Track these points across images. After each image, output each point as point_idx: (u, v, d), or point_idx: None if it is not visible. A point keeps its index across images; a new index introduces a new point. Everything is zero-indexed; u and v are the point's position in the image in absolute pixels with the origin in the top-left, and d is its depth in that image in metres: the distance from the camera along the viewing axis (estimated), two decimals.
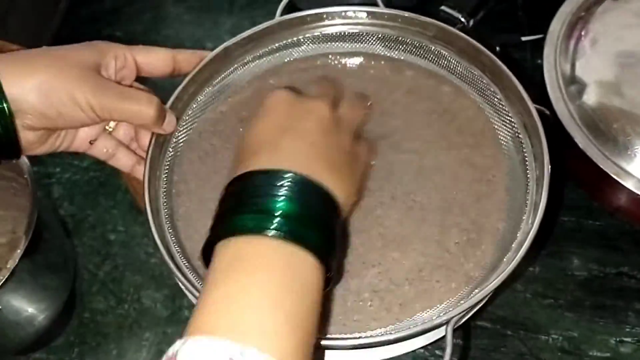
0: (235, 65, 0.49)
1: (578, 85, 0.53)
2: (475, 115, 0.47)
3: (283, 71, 0.50)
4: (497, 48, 0.53)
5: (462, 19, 0.49)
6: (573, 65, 0.54)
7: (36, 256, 0.46)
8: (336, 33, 0.49)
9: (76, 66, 0.40)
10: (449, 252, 0.42)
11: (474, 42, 0.45)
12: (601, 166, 0.48)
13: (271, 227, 0.33)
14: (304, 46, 0.50)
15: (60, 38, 0.70)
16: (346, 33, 0.49)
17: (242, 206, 0.35)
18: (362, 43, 0.50)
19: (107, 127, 0.46)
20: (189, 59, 0.46)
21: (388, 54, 0.49)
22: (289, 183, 0.35)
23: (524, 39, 0.56)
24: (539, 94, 0.51)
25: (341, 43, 0.50)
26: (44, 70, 0.39)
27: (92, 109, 0.40)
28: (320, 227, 0.35)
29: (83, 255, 0.56)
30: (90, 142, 0.45)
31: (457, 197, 0.44)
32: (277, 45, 0.50)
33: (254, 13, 0.70)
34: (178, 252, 0.42)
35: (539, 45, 0.54)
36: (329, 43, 0.50)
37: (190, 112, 0.48)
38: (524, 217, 0.41)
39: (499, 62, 0.44)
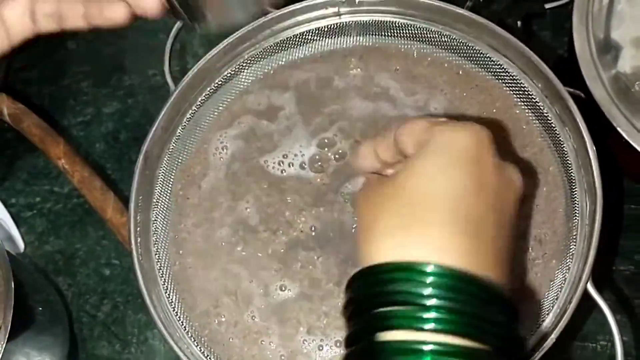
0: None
1: (613, 52, 0.46)
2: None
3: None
4: (519, 23, 0.45)
5: None
6: (607, 30, 0.47)
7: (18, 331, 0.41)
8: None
9: None
10: None
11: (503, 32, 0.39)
12: None
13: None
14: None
15: None
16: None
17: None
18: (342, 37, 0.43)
19: None
20: None
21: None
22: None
23: (547, 6, 0.48)
24: (569, 73, 0.44)
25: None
26: None
27: None
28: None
29: (79, 296, 0.52)
30: None
31: None
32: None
33: None
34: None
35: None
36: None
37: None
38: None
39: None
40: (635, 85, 0.44)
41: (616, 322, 0.35)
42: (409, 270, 0.28)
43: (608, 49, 0.45)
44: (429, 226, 0.29)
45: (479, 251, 0.29)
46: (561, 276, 0.37)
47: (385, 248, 0.29)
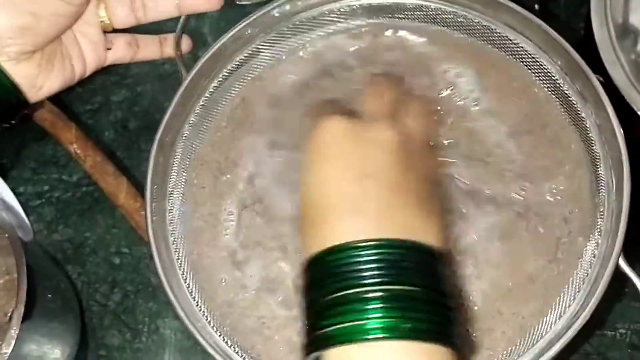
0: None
1: (632, 36, 0.45)
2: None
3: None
4: (537, 6, 0.45)
5: None
6: (626, 14, 0.46)
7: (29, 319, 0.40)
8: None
9: None
10: None
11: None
12: None
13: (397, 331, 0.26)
14: None
15: None
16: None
17: (340, 306, 0.27)
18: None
19: (101, 18, 0.39)
20: None
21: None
22: (398, 256, 0.27)
23: None
24: (587, 58, 0.44)
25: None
26: None
27: None
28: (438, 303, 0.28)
29: (88, 285, 0.51)
30: (108, 48, 0.40)
31: None
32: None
33: None
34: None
35: None
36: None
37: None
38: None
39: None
40: None
41: None
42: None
43: (627, 33, 0.45)
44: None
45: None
46: (590, 252, 0.36)
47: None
